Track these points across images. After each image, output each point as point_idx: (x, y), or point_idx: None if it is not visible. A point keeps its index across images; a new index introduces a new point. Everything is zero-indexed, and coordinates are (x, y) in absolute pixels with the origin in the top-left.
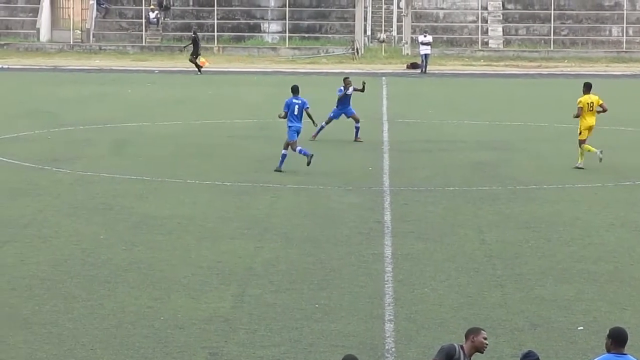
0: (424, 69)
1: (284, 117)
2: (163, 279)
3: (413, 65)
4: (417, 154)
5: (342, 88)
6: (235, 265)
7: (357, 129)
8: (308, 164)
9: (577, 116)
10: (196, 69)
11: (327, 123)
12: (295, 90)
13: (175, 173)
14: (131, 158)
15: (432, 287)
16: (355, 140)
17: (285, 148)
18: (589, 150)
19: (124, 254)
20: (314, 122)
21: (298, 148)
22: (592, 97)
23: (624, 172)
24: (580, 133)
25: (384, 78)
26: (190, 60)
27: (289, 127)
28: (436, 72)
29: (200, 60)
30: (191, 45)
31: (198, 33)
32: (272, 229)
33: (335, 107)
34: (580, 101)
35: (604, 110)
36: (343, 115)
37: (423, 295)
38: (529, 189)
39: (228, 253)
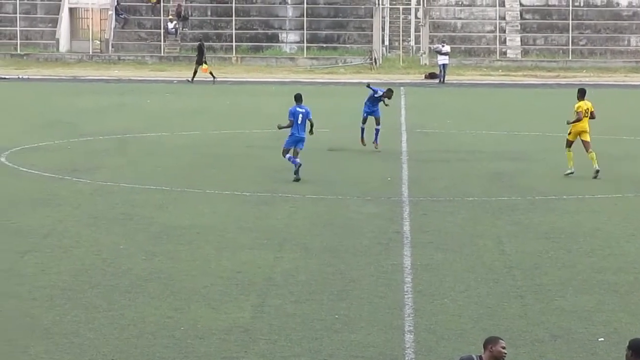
0: (442, 79)
1: (288, 127)
2: (183, 289)
3: (431, 75)
4: (435, 164)
5: (380, 91)
6: (254, 276)
7: (377, 131)
8: (295, 172)
9: (578, 120)
10: (190, 77)
11: (364, 122)
12: (298, 98)
13: (195, 183)
14: (150, 168)
15: (451, 298)
16: (374, 143)
17: (284, 155)
18: (570, 159)
19: (144, 264)
20: (312, 131)
21: (288, 156)
22: (587, 103)
23: None
24: (569, 133)
25: (402, 88)
26: (196, 69)
27: (291, 135)
28: (454, 82)
29: (203, 67)
30: (197, 53)
31: (204, 42)
32: (292, 239)
33: (365, 105)
34: (580, 106)
35: (592, 117)
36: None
37: (443, 306)
38: (548, 200)
39: (247, 263)
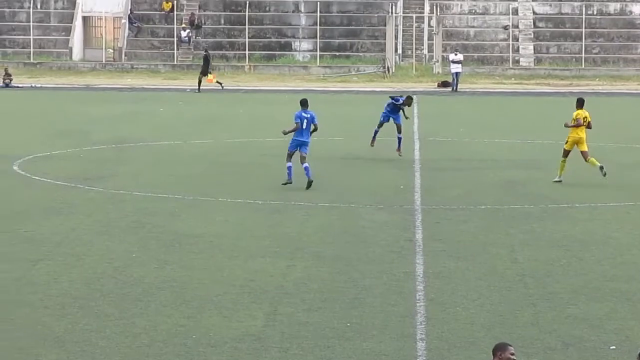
0: (455, 88)
1: (294, 130)
2: (195, 298)
3: (444, 84)
4: (448, 173)
5: (401, 99)
6: (267, 284)
7: (400, 139)
8: (284, 183)
9: (578, 126)
10: (197, 88)
11: (379, 127)
12: (304, 103)
13: (207, 191)
14: (163, 176)
15: (463, 306)
16: (397, 151)
17: (288, 159)
18: (561, 168)
19: (156, 272)
20: (310, 134)
21: (289, 164)
22: (585, 112)
23: None
24: (566, 142)
25: (415, 97)
26: (199, 79)
27: (294, 139)
28: (467, 90)
29: (208, 78)
30: (202, 63)
31: (210, 51)
32: (304, 247)
33: (384, 111)
34: (579, 114)
35: (589, 127)
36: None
37: (455, 314)
38: (560, 208)
39: (260, 271)
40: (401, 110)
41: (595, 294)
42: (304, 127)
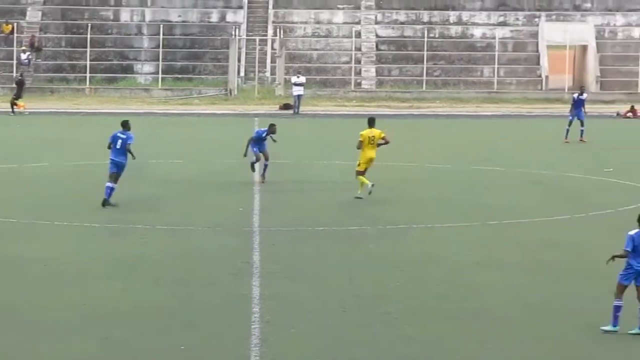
0: (296, 110)
1: (109, 148)
2: (28, 322)
3: (286, 106)
4: (287, 194)
5: (262, 131)
6: (101, 308)
7: (266, 166)
8: (102, 204)
9: (359, 148)
10: (10, 110)
11: (257, 160)
12: (124, 124)
13: (43, 215)
14: None
15: (299, 328)
16: (261, 177)
17: (114, 181)
18: (363, 183)
19: None
20: (133, 156)
21: (107, 184)
22: (374, 131)
23: (491, 212)
24: (359, 165)
25: (256, 119)
26: (11, 101)
27: (111, 160)
28: (309, 112)
29: (20, 103)
30: (15, 87)
31: (25, 75)
32: (141, 270)
33: (251, 146)
34: (362, 134)
35: (387, 143)
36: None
37: (290, 336)
38: (398, 229)
39: (95, 295)
40: (266, 139)
41: (429, 314)
42: (118, 147)
